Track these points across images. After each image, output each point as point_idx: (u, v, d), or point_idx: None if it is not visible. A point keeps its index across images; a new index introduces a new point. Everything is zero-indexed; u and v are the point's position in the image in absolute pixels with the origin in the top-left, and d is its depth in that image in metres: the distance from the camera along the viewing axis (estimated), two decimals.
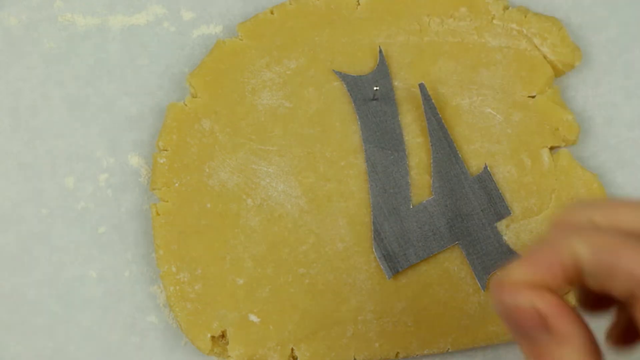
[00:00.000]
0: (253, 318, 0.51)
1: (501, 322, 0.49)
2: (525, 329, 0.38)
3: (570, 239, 0.37)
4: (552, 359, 0.38)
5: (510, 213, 0.52)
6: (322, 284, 0.52)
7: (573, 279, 0.38)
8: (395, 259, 0.51)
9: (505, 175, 0.53)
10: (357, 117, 0.53)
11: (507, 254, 0.52)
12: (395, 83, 0.53)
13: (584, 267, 0.37)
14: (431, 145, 0.52)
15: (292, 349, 0.51)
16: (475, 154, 0.53)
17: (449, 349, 0.51)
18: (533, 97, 0.53)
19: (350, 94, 0.53)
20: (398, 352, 0.51)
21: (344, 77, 0.53)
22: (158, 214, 0.52)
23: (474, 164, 0.53)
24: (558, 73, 0.54)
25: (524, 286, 0.38)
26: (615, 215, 0.38)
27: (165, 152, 0.52)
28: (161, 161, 0.52)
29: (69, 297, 0.53)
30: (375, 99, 0.53)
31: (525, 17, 0.54)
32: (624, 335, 0.39)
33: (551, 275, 0.38)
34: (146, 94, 0.54)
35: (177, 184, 0.52)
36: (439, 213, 0.52)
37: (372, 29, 0.54)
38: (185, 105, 0.53)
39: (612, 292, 0.37)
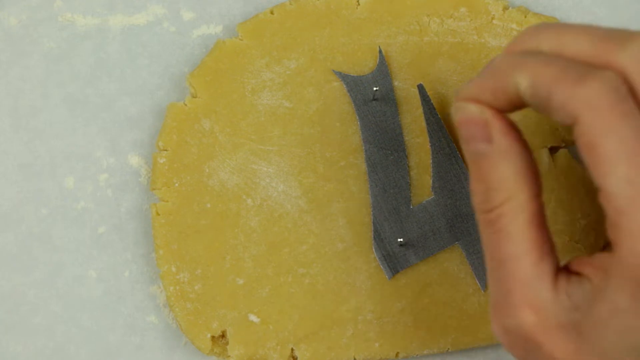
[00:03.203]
0: (253, 318, 0.51)
1: None
2: (471, 139, 0.42)
3: (513, 68, 0.40)
4: (489, 171, 0.42)
5: None
6: (322, 284, 0.52)
7: (516, 105, 0.41)
8: (395, 259, 0.51)
9: None
10: (357, 117, 0.53)
11: None
12: (395, 83, 0.53)
13: (524, 97, 0.40)
14: (431, 145, 0.52)
15: (292, 349, 0.51)
16: None
17: (449, 349, 0.52)
18: None
19: (350, 94, 0.53)
20: (398, 352, 0.51)
21: (343, 77, 0.53)
22: (158, 214, 0.52)
23: None
24: None
25: (475, 100, 0.42)
26: (561, 42, 0.40)
27: (165, 152, 0.52)
28: (161, 161, 0.52)
29: (69, 297, 0.53)
30: (375, 99, 0.53)
31: (525, 17, 0.54)
32: None
33: (495, 99, 0.41)
34: (146, 94, 0.54)
35: (177, 184, 0.52)
36: (439, 213, 0.52)
37: (372, 29, 0.54)
38: (185, 105, 0.53)
39: (553, 118, 0.40)
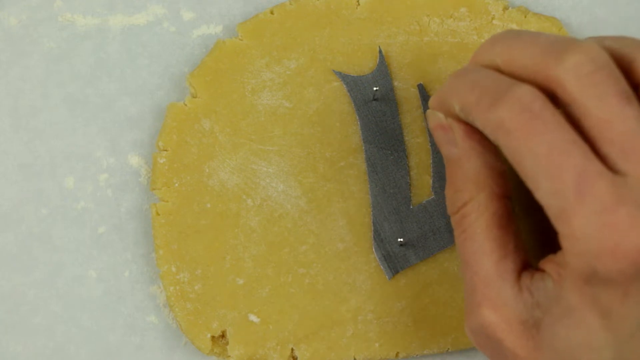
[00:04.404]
0: (253, 318, 0.51)
1: None
2: (441, 143, 0.45)
3: (450, 93, 0.43)
4: (455, 173, 0.44)
5: None
6: (322, 284, 0.52)
7: (460, 118, 0.44)
8: (395, 259, 0.51)
9: None
10: (357, 117, 0.53)
11: None
12: (395, 83, 0.53)
13: (462, 118, 0.43)
14: (431, 145, 0.52)
15: (292, 349, 0.51)
16: None
17: (449, 349, 0.52)
18: None
19: (350, 95, 0.53)
20: (398, 352, 0.51)
21: (343, 77, 0.53)
22: (158, 214, 0.52)
23: None
24: None
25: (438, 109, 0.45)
26: (511, 55, 0.42)
27: (165, 152, 0.53)
28: (161, 161, 0.52)
29: (69, 297, 0.53)
30: (375, 99, 0.53)
31: (525, 17, 0.54)
32: None
33: (446, 111, 0.44)
34: (146, 94, 0.55)
35: (177, 184, 0.52)
36: (439, 213, 0.52)
37: (372, 29, 0.54)
38: (185, 105, 0.53)
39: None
